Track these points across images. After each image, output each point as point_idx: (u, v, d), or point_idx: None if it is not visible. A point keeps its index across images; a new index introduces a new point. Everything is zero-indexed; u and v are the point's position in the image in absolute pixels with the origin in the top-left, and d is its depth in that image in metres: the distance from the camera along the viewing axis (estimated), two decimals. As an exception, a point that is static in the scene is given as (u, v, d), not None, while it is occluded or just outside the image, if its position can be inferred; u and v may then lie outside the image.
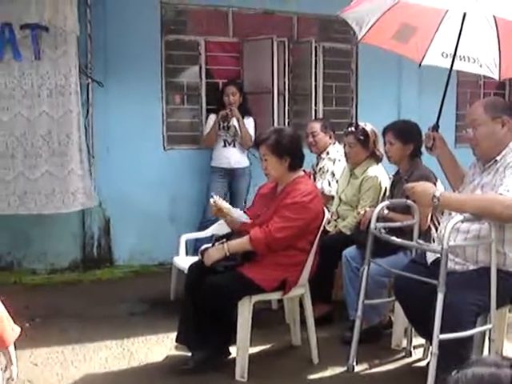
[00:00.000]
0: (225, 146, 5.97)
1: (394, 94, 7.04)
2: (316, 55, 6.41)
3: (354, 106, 7.00)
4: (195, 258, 4.71)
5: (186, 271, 4.52)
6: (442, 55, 4.25)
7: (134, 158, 5.98)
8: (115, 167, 5.90)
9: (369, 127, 4.57)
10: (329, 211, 4.53)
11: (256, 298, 3.54)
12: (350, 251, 4.28)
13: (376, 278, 3.87)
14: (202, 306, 3.55)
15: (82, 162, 5.54)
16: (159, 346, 4.15)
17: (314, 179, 5.06)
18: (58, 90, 5.40)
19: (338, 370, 3.77)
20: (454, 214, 3.29)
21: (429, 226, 4.02)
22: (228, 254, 3.54)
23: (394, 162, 4.28)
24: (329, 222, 4.62)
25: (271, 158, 3.63)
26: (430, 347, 3.63)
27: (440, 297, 3.04)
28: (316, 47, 6.41)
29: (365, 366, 3.84)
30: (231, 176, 6.01)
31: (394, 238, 3.36)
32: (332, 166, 5.07)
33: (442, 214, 4.16)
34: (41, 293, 5.32)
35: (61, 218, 5.63)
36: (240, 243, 3.57)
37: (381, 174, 4.56)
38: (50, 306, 4.88)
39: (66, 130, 5.43)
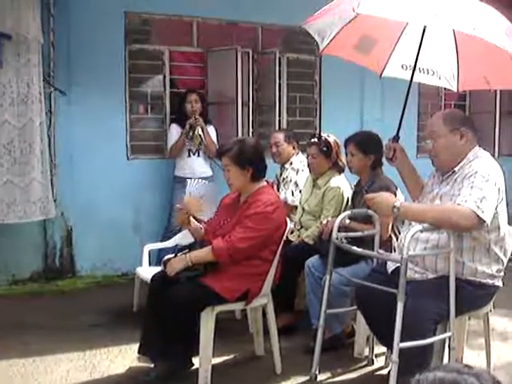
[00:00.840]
0: (189, 155, 5.97)
1: (356, 105, 7.13)
2: (280, 66, 6.46)
3: (318, 117, 7.05)
4: (159, 269, 4.70)
5: (147, 281, 4.54)
6: (402, 67, 4.30)
7: (98, 167, 5.94)
8: (78, 176, 5.85)
9: (331, 138, 4.63)
10: (292, 221, 4.57)
11: (219, 308, 3.54)
12: (312, 261, 4.31)
13: (338, 287, 3.91)
14: (164, 316, 3.53)
15: (44, 172, 5.49)
16: (121, 358, 4.12)
17: (278, 189, 5.10)
18: (20, 99, 5.36)
19: (301, 379, 3.79)
20: (413, 223, 3.35)
21: (389, 236, 4.07)
22: (190, 264, 3.54)
23: (356, 173, 4.34)
24: (292, 232, 4.65)
25: (233, 169, 3.64)
26: (391, 355, 3.71)
27: (400, 305, 3.08)
28: (280, 58, 6.45)
29: (327, 374, 3.87)
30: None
31: (355, 247, 3.40)
32: (295, 176, 5.11)
33: (403, 224, 4.24)
34: (1, 304, 5.21)
35: (22, 227, 5.57)
36: (202, 253, 3.58)
37: (343, 184, 4.61)
38: (11, 318, 4.80)
39: (28, 139, 5.39)
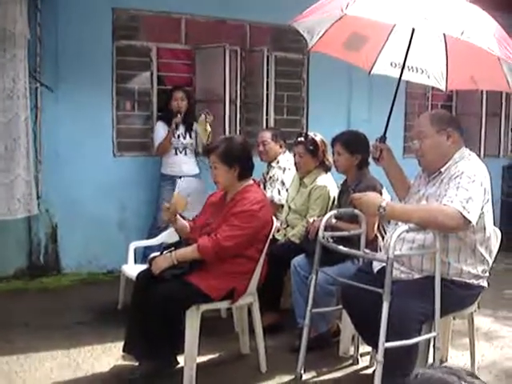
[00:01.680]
0: (176, 153, 5.94)
1: (344, 104, 7.14)
2: (268, 64, 6.45)
3: (305, 116, 7.07)
4: (144, 266, 4.68)
5: (133, 279, 4.51)
6: (391, 65, 4.30)
7: (84, 163, 5.90)
8: (64, 173, 5.81)
9: (318, 137, 4.63)
10: (278, 220, 4.57)
11: (204, 307, 3.53)
12: (298, 260, 4.31)
13: (324, 286, 3.91)
14: (149, 314, 3.51)
15: (28, 168, 5.44)
16: (106, 356, 4.10)
17: (264, 188, 5.10)
18: (5, 94, 5.31)
19: (286, 378, 3.79)
20: (399, 223, 3.35)
21: (375, 235, 4.08)
22: (176, 262, 3.53)
23: (342, 172, 4.34)
24: (278, 231, 4.65)
25: (221, 167, 3.64)
26: (376, 355, 3.72)
27: (385, 305, 3.08)
28: (268, 56, 6.44)
29: (313, 373, 3.87)
30: (182, 183, 5.98)
31: (341, 247, 3.40)
32: (282, 175, 5.11)
33: (389, 224, 4.25)
34: (-15, 302, 5.19)
35: (6, 224, 5.52)
36: (188, 252, 3.57)
37: (330, 183, 4.61)
38: (-5, 316, 4.77)
39: (13, 134, 5.35)
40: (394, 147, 3.87)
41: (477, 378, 1.40)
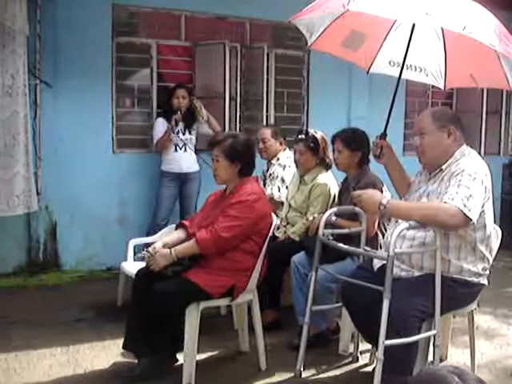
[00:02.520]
0: (176, 150, 5.92)
1: (344, 101, 7.13)
2: (268, 61, 6.43)
3: (305, 113, 7.05)
4: (143, 264, 4.68)
5: (132, 276, 4.49)
6: (390, 63, 4.29)
7: (83, 160, 5.88)
8: (63, 169, 5.79)
9: (319, 134, 4.61)
10: (278, 217, 4.56)
11: (204, 304, 3.51)
12: (298, 257, 4.30)
13: (324, 284, 3.90)
14: (148, 312, 3.51)
15: (27, 165, 5.43)
16: (105, 353, 4.08)
17: (264, 185, 5.09)
18: (4, 91, 5.30)
19: (286, 375, 3.78)
20: (400, 221, 3.34)
21: (376, 233, 4.07)
22: (176, 259, 3.51)
23: (343, 170, 4.33)
24: (278, 228, 4.64)
25: (223, 161, 3.64)
26: (376, 352, 3.71)
27: (385, 303, 3.07)
28: (268, 53, 6.42)
29: (312, 371, 3.86)
30: (182, 180, 5.98)
31: (341, 244, 3.39)
32: (282, 172, 5.10)
33: (389, 221, 4.24)
34: (-16, 298, 5.18)
35: (5, 221, 5.52)
36: (187, 247, 3.56)
37: (330, 181, 4.60)
38: (-5, 312, 4.76)
39: (12, 131, 5.34)
40: (394, 145, 3.85)
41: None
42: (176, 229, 3.93)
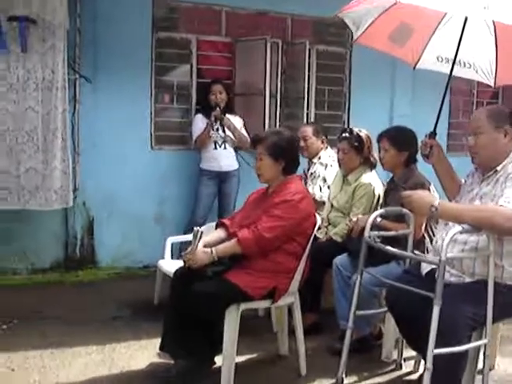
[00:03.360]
0: (215, 147, 5.82)
1: (386, 99, 6.97)
2: (309, 58, 6.30)
3: (346, 111, 6.91)
4: (181, 262, 4.60)
5: (170, 274, 4.42)
6: (438, 59, 4.18)
7: (121, 156, 5.83)
8: (101, 165, 5.75)
9: (363, 133, 4.47)
10: (319, 217, 4.42)
11: (244, 306, 3.40)
12: (340, 259, 4.17)
13: (368, 287, 3.75)
14: (187, 313, 3.41)
15: (65, 160, 5.40)
16: (141, 353, 4.01)
17: (305, 184, 4.95)
18: (44, 85, 5.27)
19: (327, 382, 3.66)
20: (450, 224, 3.19)
21: (422, 235, 3.92)
22: (216, 258, 3.41)
23: (388, 169, 4.17)
24: (319, 229, 4.48)
25: (267, 159, 3.53)
26: (422, 360, 3.56)
27: (436, 310, 2.93)
28: (310, 49, 6.29)
29: (354, 378, 3.73)
30: (221, 179, 5.88)
31: (388, 247, 3.24)
32: (323, 171, 4.97)
33: (436, 223, 4.08)
34: (20, 293, 5.16)
35: (43, 216, 5.50)
36: (228, 246, 3.44)
37: (375, 181, 4.45)
38: (30, 308, 4.74)
39: (51, 126, 5.30)
40: (438, 145, 3.70)
41: None
42: (216, 228, 3.82)
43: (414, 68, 4.25)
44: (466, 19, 3.68)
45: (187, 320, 3.44)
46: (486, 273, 3.03)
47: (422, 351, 3.37)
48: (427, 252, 3.83)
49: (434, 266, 3.17)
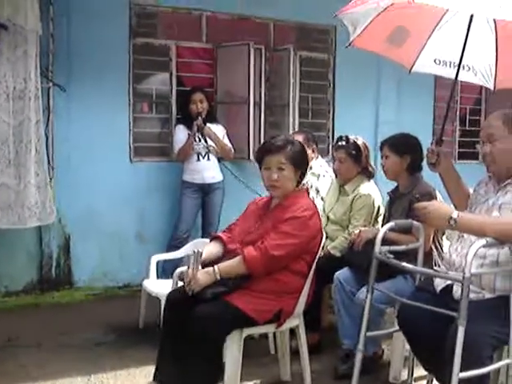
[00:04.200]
0: (198, 159, 5.54)
1: (371, 105, 6.80)
2: (293, 64, 6.07)
3: (331, 119, 6.71)
4: (167, 282, 4.32)
5: (157, 296, 4.16)
6: (435, 62, 3.99)
7: (98, 170, 5.54)
8: (77, 180, 5.45)
9: (360, 141, 4.26)
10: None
11: (247, 331, 3.13)
12: (342, 274, 3.93)
13: (376, 305, 3.51)
14: (184, 340, 3.12)
15: (40, 174, 5.06)
16: (131, 382, 3.70)
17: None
18: (16, 95, 4.93)
19: (334, 407, 3.41)
20: (465, 236, 2.98)
21: (430, 248, 3.70)
22: (219, 278, 3.12)
23: (391, 178, 3.96)
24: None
25: (289, 169, 3.27)
26: (434, 380, 3.34)
27: (461, 331, 2.69)
28: (293, 56, 6.07)
29: (362, 402, 3.47)
30: (205, 191, 5.61)
31: (405, 264, 3.00)
32: (316, 182, 4.73)
33: (443, 235, 3.88)
34: (-7, 318, 4.82)
35: (16, 234, 5.16)
36: (233, 265, 3.15)
37: (374, 191, 4.23)
38: (4, 335, 4.38)
39: (24, 138, 4.96)
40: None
41: None
42: (210, 241, 3.54)
43: (410, 71, 4.05)
44: (471, 19, 3.49)
45: (185, 347, 3.13)
46: (509, 288, 2.83)
47: (435, 372, 3.17)
48: (435, 265, 3.62)
49: (449, 282, 2.97)
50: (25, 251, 5.41)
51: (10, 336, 4.37)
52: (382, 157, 3.94)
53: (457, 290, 2.95)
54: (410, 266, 3.02)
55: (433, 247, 3.73)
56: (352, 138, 4.26)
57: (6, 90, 4.89)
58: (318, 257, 3.35)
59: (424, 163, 3.71)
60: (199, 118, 5.47)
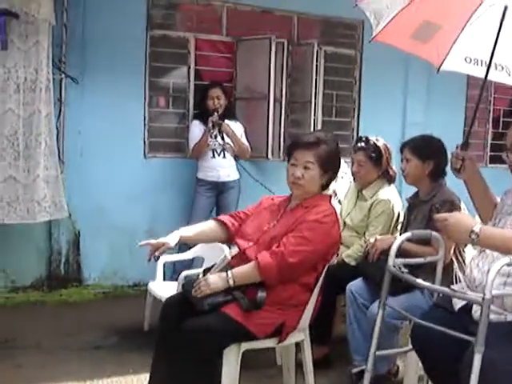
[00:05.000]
0: (213, 156, 5.36)
1: (399, 105, 6.55)
2: (317, 60, 5.84)
3: (356, 118, 6.46)
4: (173, 284, 4.13)
5: (161, 299, 3.98)
6: (466, 60, 3.74)
7: (111, 165, 5.40)
8: (89, 175, 5.32)
9: (381, 142, 4.00)
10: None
11: (246, 345, 2.89)
12: (355, 285, 3.68)
13: (387, 320, 3.25)
14: (179, 350, 2.89)
15: (50, 168, 4.94)
16: (127, 390, 3.54)
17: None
18: (26, 86, 4.81)
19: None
20: (487, 251, 2.72)
21: (450, 260, 3.43)
22: (232, 284, 2.87)
23: (411, 183, 3.68)
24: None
25: (316, 169, 3.02)
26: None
27: (477, 358, 2.43)
28: (317, 51, 5.83)
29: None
30: (219, 190, 5.41)
31: (420, 280, 2.73)
32: (334, 184, 4.45)
33: (465, 247, 3.61)
34: (-3, 315, 4.70)
35: (24, 229, 5.04)
36: (247, 272, 2.89)
37: (394, 196, 3.97)
38: (6, 333, 4.26)
39: (33, 131, 4.84)
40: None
41: None
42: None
43: (439, 70, 3.79)
44: (503, 14, 3.22)
45: (180, 358, 2.91)
46: (534, 310, 2.56)
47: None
48: (457, 281, 3.36)
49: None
50: (33, 246, 5.30)
51: (11, 335, 4.24)
52: (402, 160, 3.66)
53: (476, 310, 2.69)
54: (424, 283, 2.74)
55: (454, 259, 3.46)
56: (372, 139, 4.00)
57: (16, 81, 4.79)
58: (329, 265, 3.11)
59: (448, 168, 3.46)
60: (215, 114, 5.29)
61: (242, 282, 2.88)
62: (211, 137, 5.33)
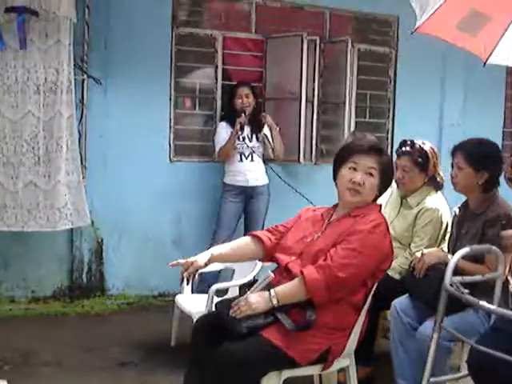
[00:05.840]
0: (241, 160, 5.12)
1: (435, 106, 6.26)
2: (350, 58, 5.58)
3: (390, 119, 6.18)
4: (201, 298, 3.89)
5: (189, 314, 3.75)
6: None
7: (135, 169, 5.22)
8: (112, 180, 5.15)
9: (427, 146, 3.70)
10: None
11: (287, 373, 2.63)
12: (400, 302, 3.39)
13: (441, 343, 2.97)
14: (213, 376, 2.64)
15: (71, 174, 4.75)
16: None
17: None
18: (47, 87, 4.64)
19: None
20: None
21: (506, 278, 3.13)
22: (276, 304, 2.60)
23: (461, 191, 3.38)
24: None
25: (376, 177, 2.78)
26: None
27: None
28: (351, 49, 5.57)
29: None
30: (248, 195, 5.17)
31: (484, 303, 2.44)
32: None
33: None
34: (16, 328, 4.52)
35: (45, 237, 4.86)
36: (292, 289, 2.62)
37: (442, 204, 3.68)
38: (25, 349, 4.06)
39: (54, 134, 4.67)
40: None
41: None
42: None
43: (485, 64, 3.56)
44: None
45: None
46: None
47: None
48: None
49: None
50: (54, 255, 5.14)
51: (31, 350, 4.05)
52: (452, 165, 3.35)
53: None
54: (489, 306, 2.46)
55: (509, 278, 3.15)
56: (418, 142, 3.70)
57: (36, 82, 4.62)
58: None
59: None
60: (243, 115, 5.07)
61: (286, 301, 2.60)
62: (239, 139, 5.11)
